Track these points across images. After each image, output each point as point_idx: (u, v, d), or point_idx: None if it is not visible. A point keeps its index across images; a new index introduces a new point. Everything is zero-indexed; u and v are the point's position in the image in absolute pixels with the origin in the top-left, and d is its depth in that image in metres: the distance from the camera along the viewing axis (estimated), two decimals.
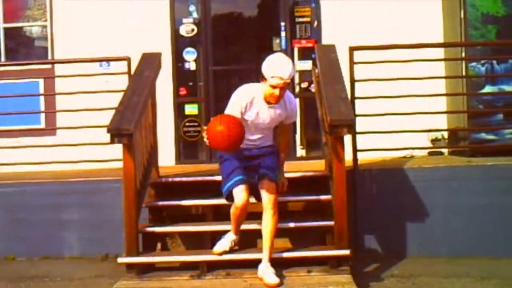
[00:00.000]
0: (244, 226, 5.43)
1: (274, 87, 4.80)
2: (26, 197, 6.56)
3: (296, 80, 8.03)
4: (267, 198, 5.04)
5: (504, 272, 5.63)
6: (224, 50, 8.33)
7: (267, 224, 5.06)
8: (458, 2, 7.32)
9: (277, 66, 4.79)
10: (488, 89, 7.19)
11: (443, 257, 6.06)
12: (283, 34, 8.10)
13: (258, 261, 5.18)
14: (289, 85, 4.89)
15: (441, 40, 7.77)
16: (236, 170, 5.00)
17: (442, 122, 7.47)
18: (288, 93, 5.05)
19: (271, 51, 7.99)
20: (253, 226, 5.46)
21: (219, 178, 5.99)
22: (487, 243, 6.12)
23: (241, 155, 5.06)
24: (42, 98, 8.14)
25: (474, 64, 7.19)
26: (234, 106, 4.93)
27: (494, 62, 7.18)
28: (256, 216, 5.40)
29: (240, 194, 4.98)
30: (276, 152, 5.22)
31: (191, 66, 8.26)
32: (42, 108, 8.15)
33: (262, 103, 4.94)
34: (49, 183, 6.63)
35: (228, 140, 4.69)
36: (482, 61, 7.19)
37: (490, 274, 5.53)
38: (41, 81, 8.12)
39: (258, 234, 5.48)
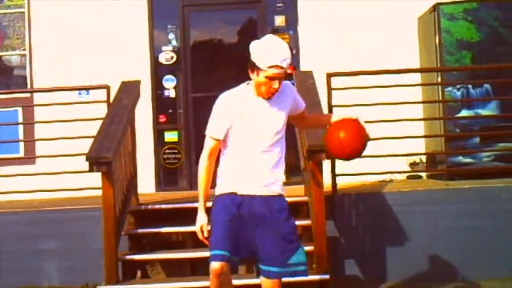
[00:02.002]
0: None
1: (272, 78, 3.72)
2: (3, 226, 6.50)
3: None
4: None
5: None
6: (204, 77, 8.38)
7: None
8: (433, 28, 7.45)
9: (275, 53, 3.71)
10: (464, 113, 7.29)
11: (423, 281, 6.08)
12: None
13: (241, 286, 5.16)
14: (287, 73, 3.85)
15: (417, 65, 7.90)
16: (221, 239, 3.76)
17: (420, 146, 7.55)
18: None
19: (249, 78, 8.08)
20: None
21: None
22: (466, 265, 6.16)
23: (237, 213, 3.80)
24: (21, 126, 8.12)
25: (450, 89, 7.30)
26: (217, 116, 3.85)
27: (470, 86, 7.29)
28: None
29: (213, 276, 3.77)
30: (289, 212, 3.93)
31: (171, 93, 8.29)
32: (21, 136, 8.12)
33: (255, 98, 3.84)
34: (27, 212, 6.58)
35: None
36: (458, 86, 7.30)
37: None
38: (20, 110, 8.10)
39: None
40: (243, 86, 3.90)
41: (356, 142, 4.00)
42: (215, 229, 3.79)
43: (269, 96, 3.79)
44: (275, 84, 3.74)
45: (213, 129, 3.86)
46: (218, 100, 3.89)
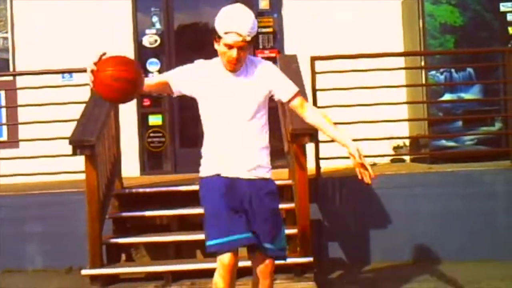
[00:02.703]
0: None
1: (230, 46, 3.47)
2: None
3: None
4: (262, 276, 3.70)
5: (466, 275, 5.73)
6: (188, 60, 8.24)
7: None
8: (417, 12, 7.46)
9: (234, 19, 3.48)
10: (447, 97, 7.33)
11: (406, 262, 6.14)
12: None
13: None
14: (250, 44, 3.53)
15: (401, 49, 7.91)
16: (223, 222, 3.51)
17: (403, 129, 7.59)
18: (255, 58, 3.79)
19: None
20: None
21: (183, 188, 6.04)
22: (448, 248, 6.23)
23: (230, 187, 3.58)
24: (3, 110, 8.07)
25: (433, 72, 7.33)
26: (182, 68, 3.68)
27: (453, 70, 7.32)
28: None
29: (225, 272, 3.52)
30: (276, 192, 3.77)
31: (155, 77, 8.25)
32: (4, 120, 8.07)
33: (224, 73, 3.60)
34: (11, 196, 6.56)
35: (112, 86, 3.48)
36: (441, 70, 7.33)
37: (452, 278, 5.63)
38: (2, 93, 8.04)
39: None
40: (217, 58, 3.65)
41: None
42: (211, 213, 3.56)
43: (230, 67, 3.53)
44: (233, 53, 3.47)
45: (171, 71, 3.72)
46: (194, 62, 3.73)
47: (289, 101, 3.65)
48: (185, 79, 3.63)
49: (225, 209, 3.52)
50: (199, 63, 3.68)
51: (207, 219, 3.59)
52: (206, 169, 3.66)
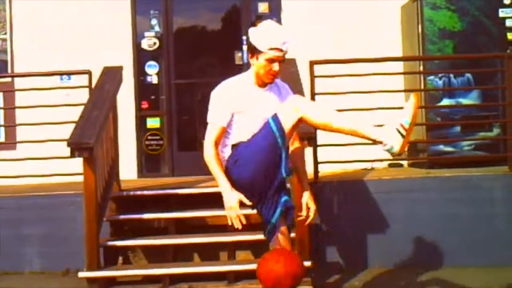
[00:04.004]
0: (206, 239, 5.44)
1: (272, 60, 3.68)
2: None
3: None
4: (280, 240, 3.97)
5: (464, 280, 5.73)
6: (187, 63, 8.35)
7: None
8: (416, 17, 7.47)
9: (275, 34, 3.69)
10: (445, 102, 7.34)
11: (404, 267, 6.14)
12: (245, 48, 8.15)
13: (220, 273, 5.20)
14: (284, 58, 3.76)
15: (400, 54, 7.92)
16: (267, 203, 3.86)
17: None
18: (280, 82, 4.01)
19: (233, 64, 8.09)
20: (215, 239, 5.48)
21: (181, 191, 6.04)
22: (446, 253, 6.23)
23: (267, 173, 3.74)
24: (1, 111, 8.05)
25: (432, 77, 7.34)
26: (218, 103, 3.75)
27: (451, 75, 7.33)
28: (219, 228, 5.43)
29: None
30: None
31: (153, 79, 8.26)
32: (2, 122, 8.05)
33: (255, 88, 3.81)
34: (8, 197, 6.54)
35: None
36: (440, 75, 7.34)
37: (450, 283, 5.63)
38: (0, 95, 8.03)
39: (220, 247, 5.51)
40: (243, 74, 3.87)
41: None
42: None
43: (270, 79, 3.74)
44: (275, 67, 3.69)
45: (216, 116, 3.73)
46: (218, 87, 3.81)
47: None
48: (227, 112, 3.73)
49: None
50: (229, 87, 3.77)
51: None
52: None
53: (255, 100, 3.74)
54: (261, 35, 3.68)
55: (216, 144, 3.73)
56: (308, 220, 4.02)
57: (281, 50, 3.66)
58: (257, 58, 3.70)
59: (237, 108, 3.71)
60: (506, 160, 6.70)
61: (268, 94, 3.80)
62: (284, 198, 3.84)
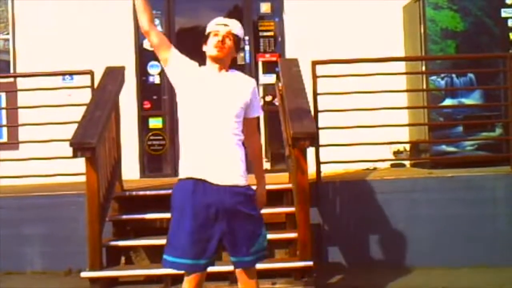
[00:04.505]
0: None
1: (216, 34, 3.83)
2: None
3: (261, 94, 8.09)
4: (245, 279, 3.86)
5: (465, 281, 5.73)
6: None
7: None
8: (418, 17, 7.47)
9: (224, 18, 3.96)
10: (448, 102, 7.33)
11: (406, 267, 6.13)
12: (247, 48, 8.16)
13: (224, 273, 5.19)
14: (235, 45, 3.88)
15: (402, 54, 7.92)
16: (185, 243, 3.64)
17: (404, 134, 7.59)
18: (241, 73, 4.00)
19: (235, 64, 8.06)
20: None
21: None
22: (448, 253, 6.22)
23: (201, 205, 3.64)
24: (4, 112, 8.06)
25: (434, 77, 7.33)
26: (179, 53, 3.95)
27: (454, 75, 7.33)
28: None
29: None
30: (253, 198, 3.81)
31: (155, 79, 8.27)
32: (4, 122, 8.06)
33: (210, 69, 3.86)
34: (11, 197, 6.55)
35: None
36: (442, 75, 7.33)
37: (451, 284, 5.62)
38: (3, 95, 8.04)
39: (223, 246, 5.49)
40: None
41: None
42: (175, 223, 3.71)
43: (219, 50, 3.78)
44: (219, 37, 3.80)
45: (175, 50, 3.93)
46: None
47: (252, 120, 3.92)
48: (181, 61, 3.86)
49: (187, 229, 3.64)
50: (195, 61, 3.90)
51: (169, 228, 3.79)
52: (182, 169, 3.76)
53: (207, 77, 3.82)
54: (212, 20, 3.94)
55: (153, 27, 4.04)
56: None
57: (224, 25, 3.84)
58: (206, 43, 3.85)
59: (189, 75, 3.81)
60: (508, 160, 6.69)
61: (223, 82, 3.82)
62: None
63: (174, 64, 3.86)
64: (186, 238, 3.62)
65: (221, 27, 3.85)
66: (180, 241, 3.64)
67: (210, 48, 3.81)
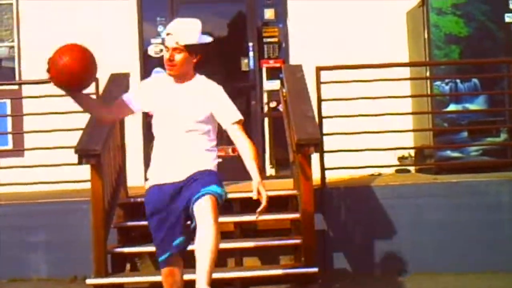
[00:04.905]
0: None
1: (167, 48, 3.83)
2: None
3: (265, 100, 8.09)
4: (200, 206, 3.67)
5: (472, 286, 5.71)
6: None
7: (204, 241, 3.68)
8: (422, 23, 7.47)
9: (173, 24, 3.87)
10: (452, 107, 7.32)
11: (411, 273, 6.12)
12: (251, 54, 8.17)
13: (227, 280, 5.19)
14: (189, 53, 3.79)
15: (406, 60, 7.92)
16: (157, 239, 3.89)
17: (408, 140, 7.58)
18: (205, 78, 3.95)
19: (239, 70, 8.11)
20: (222, 245, 5.45)
21: None
22: (453, 259, 6.20)
23: (162, 201, 3.82)
24: (9, 119, 8.08)
25: (438, 83, 7.33)
26: (135, 88, 4.15)
27: (458, 81, 7.32)
28: (226, 235, 5.42)
29: (164, 279, 4.04)
30: (209, 172, 3.79)
31: None
32: (10, 129, 8.08)
33: (171, 83, 3.89)
34: (16, 204, 6.56)
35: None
36: (446, 80, 7.33)
37: None
38: (8, 102, 8.06)
39: (227, 253, 5.51)
40: (165, 74, 3.96)
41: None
42: (150, 226, 3.94)
43: (168, 69, 3.82)
44: (167, 54, 3.80)
45: (130, 92, 4.08)
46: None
47: (229, 128, 3.82)
48: (141, 95, 3.91)
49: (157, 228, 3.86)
50: (152, 78, 4.12)
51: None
52: (149, 178, 3.94)
53: (167, 92, 3.83)
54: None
55: (110, 105, 4.06)
56: (261, 207, 3.82)
57: (173, 37, 3.76)
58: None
59: (151, 99, 3.85)
60: None
61: (184, 89, 3.82)
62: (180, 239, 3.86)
63: (139, 101, 3.90)
64: (156, 232, 3.85)
65: (169, 39, 3.78)
66: (156, 239, 3.87)
67: (165, 64, 3.86)
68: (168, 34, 3.78)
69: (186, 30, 3.77)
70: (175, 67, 3.78)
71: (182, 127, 3.75)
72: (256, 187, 3.78)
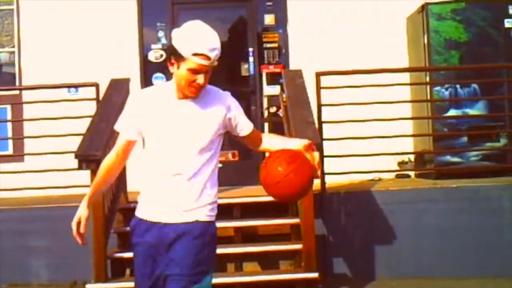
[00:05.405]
0: None
1: (196, 71, 2.99)
2: None
3: (265, 105, 8.10)
4: None
5: None
6: None
7: None
8: (422, 28, 7.48)
9: (202, 39, 3.00)
10: (452, 112, 7.33)
11: (411, 278, 6.12)
12: (251, 59, 8.18)
13: (227, 285, 5.19)
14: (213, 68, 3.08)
15: (406, 65, 7.93)
16: (139, 282, 3.22)
17: (408, 145, 7.59)
18: (210, 86, 3.16)
19: (239, 76, 8.12)
20: (222, 250, 5.45)
21: None
22: (453, 263, 6.21)
23: (149, 244, 3.13)
24: (9, 124, 8.09)
25: (438, 88, 7.34)
26: (126, 114, 3.19)
27: (458, 86, 7.33)
28: (226, 240, 5.43)
29: None
30: (208, 240, 3.11)
31: None
32: (10, 134, 8.09)
33: (173, 99, 3.10)
34: (17, 209, 6.56)
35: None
36: (446, 86, 7.34)
37: None
38: (9, 107, 8.07)
39: (227, 258, 5.51)
40: (165, 83, 3.24)
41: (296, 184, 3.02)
42: (135, 266, 3.22)
43: (193, 93, 3.04)
44: (200, 79, 3.00)
45: (123, 127, 3.19)
46: (130, 95, 3.31)
47: (248, 135, 3.23)
48: (135, 127, 3.14)
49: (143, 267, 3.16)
50: (139, 96, 3.18)
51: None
52: (139, 210, 3.28)
53: (173, 113, 3.07)
54: (186, 38, 2.99)
55: (120, 154, 3.22)
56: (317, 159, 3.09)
57: (208, 58, 2.99)
58: (178, 66, 3.01)
59: (148, 121, 3.08)
60: None
61: (192, 107, 3.07)
62: None
63: (139, 132, 3.16)
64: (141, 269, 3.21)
65: (201, 61, 2.98)
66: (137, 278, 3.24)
67: (185, 87, 3.02)
68: (201, 55, 2.98)
69: (219, 46, 3.08)
70: (202, 89, 3.06)
71: (192, 148, 3.06)
72: (305, 144, 3.10)
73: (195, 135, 3.06)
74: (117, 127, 3.24)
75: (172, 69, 3.05)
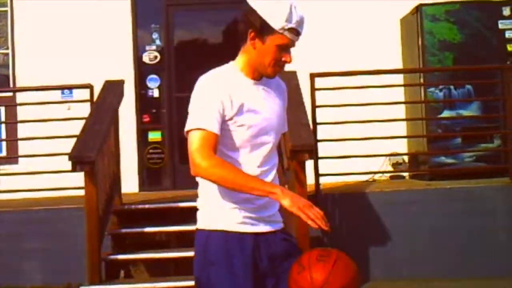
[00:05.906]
0: None
1: (285, 46, 2.63)
2: None
3: None
4: None
5: None
6: (188, 77, 8.35)
7: None
8: (416, 29, 7.49)
9: (294, 11, 2.61)
10: (446, 113, 7.34)
11: (405, 279, 6.13)
12: None
13: None
14: None
15: (400, 66, 7.94)
16: None
17: (402, 146, 7.60)
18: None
19: None
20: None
21: (183, 204, 6.04)
22: (447, 264, 6.22)
23: (251, 262, 2.70)
24: (3, 126, 8.07)
25: (432, 89, 7.35)
26: (206, 109, 2.64)
27: (452, 87, 7.34)
28: None
29: None
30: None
31: (154, 93, 8.28)
32: (4, 136, 8.07)
33: (249, 85, 2.71)
34: (10, 212, 6.54)
35: None
36: (440, 87, 7.35)
37: None
38: (2, 109, 8.05)
39: None
40: (228, 66, 2.79)
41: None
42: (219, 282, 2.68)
43: (273, 74, 2.67)
44: (288, 57, 2.64)
45: (203, 118, 2.63)
46: (200, 81, 2.75)
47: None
48: (219, 114, 2.64)
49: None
50: (214, 82, 2.70)
51: None
52: (217, 220, 2.73)
53: (256, 101, 2.67)
54: (277, 7, 2.59)
55: (212, 152, 2.63)
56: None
57: (298, 33, 2.64)
58: (262, 41, 2.61)
59: (231, 117, 2.64)
60: (507, 171, 6.71)
61: (269, 94, 2.73)
62: None
63: (223, 118, 2.66)
64: None
65: (293, 36, 2.62)
66: None
67: (268, 65, 2.64)
68: (295, 29, 2.61)
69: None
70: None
71: (275, 139, 2.74)
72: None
73: (278, 118, 2.74)
74: (196, 123, 2.68)
75: (254, 44, 2.63)
